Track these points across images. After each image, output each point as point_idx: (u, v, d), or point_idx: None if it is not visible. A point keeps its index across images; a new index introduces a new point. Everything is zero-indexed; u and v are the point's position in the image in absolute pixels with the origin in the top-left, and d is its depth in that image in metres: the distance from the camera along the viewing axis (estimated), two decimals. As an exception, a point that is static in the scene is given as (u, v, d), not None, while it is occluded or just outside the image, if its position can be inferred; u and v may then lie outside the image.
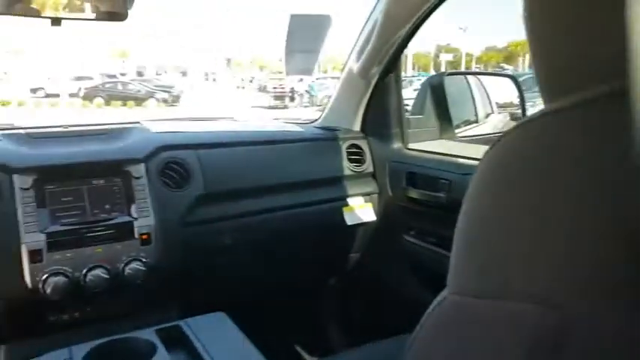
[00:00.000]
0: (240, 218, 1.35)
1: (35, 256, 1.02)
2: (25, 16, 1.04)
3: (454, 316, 0.38)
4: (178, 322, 0.96)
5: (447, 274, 0.40)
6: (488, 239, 0.36)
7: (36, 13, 1.03)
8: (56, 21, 1.04)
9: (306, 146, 1.53)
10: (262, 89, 28.30)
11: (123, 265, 1.10)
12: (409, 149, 1.58)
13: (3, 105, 17.79)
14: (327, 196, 1.52)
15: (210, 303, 1.37)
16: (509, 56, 47.26)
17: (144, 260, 1.12)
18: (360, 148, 1.61)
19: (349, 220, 1.54)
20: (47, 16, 1.04)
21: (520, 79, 1.99)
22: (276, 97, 19.46)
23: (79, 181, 1.11)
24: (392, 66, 1.53)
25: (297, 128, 1.61)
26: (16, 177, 1.05)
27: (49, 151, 1.14)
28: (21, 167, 1.06)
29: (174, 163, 1.24)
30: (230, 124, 1.64)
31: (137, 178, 1.16)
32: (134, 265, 1.10)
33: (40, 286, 1.02)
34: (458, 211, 0.40)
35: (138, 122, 1.47)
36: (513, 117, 2.08)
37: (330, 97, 1.75)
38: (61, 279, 1.02)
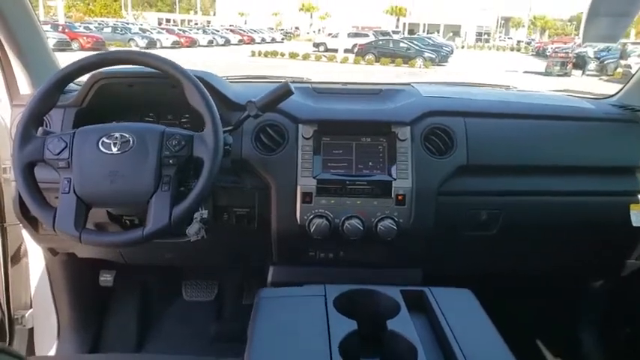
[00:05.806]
0: (501, 196, 1.24)
1: (306, 197, 1.15)
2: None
3: None
4: (423, 288, 0.96)
5: None
6: None
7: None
8: None
9: (595, 126, 1.30)
10: (541, 53, 25.56)
11: (376, 220, 1.15)
12: None
13: (291, 57, 20.73)
14: (613, 188, 1.27)
15: (453, 276, 1.34)
16: None
17: (396, 219, 1.15)
18: None
19: (636, 221, 1.25)
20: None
21: None
22: (556, 63, 17.15)
23: (350, 136, 1.19)
24: None
25: (585, 104, 1.37)
26: (300, 126, 1.19)
27: (329, 106, 1.25)
28: (305, 119, 1.19)
29: (439, 129, 1.21)
30: (504, 94, 1.49)
31: (402, 140, 1.18)
32: (387, 222, 1.14)
33: (307, 224, 1.15)
34: None
35: (409, 84, 1.48)
36: None
37: (627, 66, 1.42)
38: (323, 221, 1.14)
